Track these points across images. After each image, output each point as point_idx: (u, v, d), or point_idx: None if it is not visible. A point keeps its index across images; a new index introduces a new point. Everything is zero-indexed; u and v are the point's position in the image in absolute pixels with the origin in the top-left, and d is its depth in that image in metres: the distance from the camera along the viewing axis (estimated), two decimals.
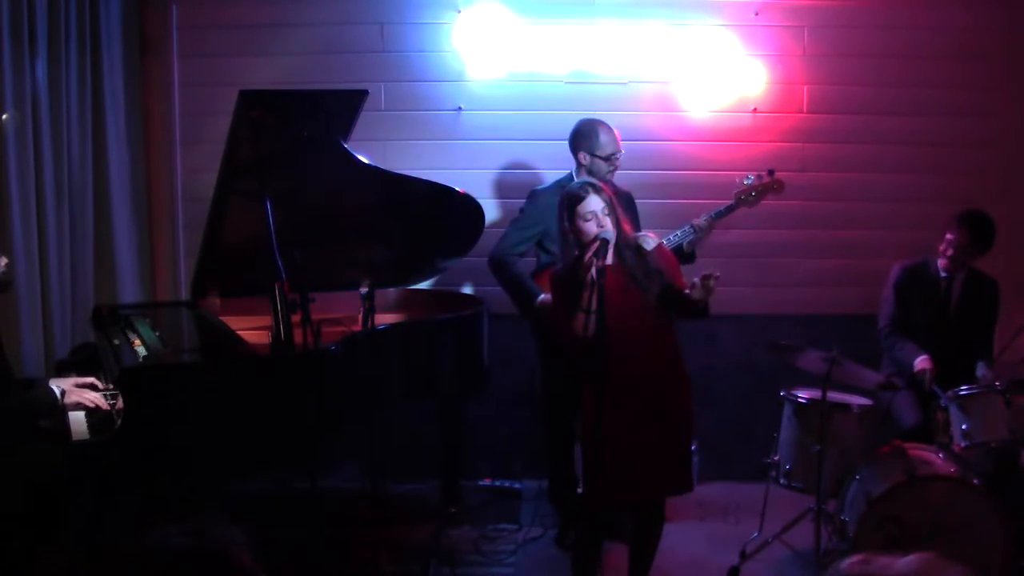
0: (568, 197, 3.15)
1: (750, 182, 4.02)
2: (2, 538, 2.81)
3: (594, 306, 2.97)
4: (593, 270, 2.96)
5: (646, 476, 3.12)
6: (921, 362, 3.93)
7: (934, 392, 3.81)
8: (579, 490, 3.98)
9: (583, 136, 3.98)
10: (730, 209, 4.03)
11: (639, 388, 3.09)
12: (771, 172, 4.03)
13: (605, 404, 3.02)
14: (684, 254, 3.97)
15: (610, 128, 3.99)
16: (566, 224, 3.14)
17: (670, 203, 4.56)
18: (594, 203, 3.09)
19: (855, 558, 1.25)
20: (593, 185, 3.16)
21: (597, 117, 4.05)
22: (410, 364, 3.73)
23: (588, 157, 3.96)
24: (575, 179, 4.01)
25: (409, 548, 3.99)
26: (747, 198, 4.02)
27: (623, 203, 3.90)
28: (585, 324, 3.00)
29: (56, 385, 3.12)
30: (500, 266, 4.09)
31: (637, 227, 3.85)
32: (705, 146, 4.77)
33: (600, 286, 2.94)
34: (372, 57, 4.70)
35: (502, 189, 4.74)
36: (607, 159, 3.95)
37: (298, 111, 3.50)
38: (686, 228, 3.97)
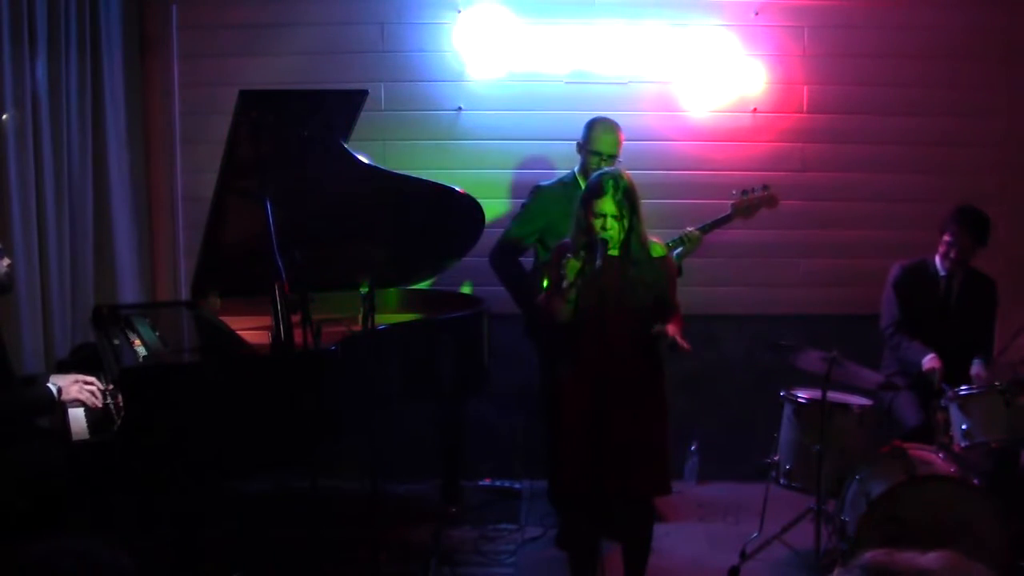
0: (591, 187, 3.18)
1: (746, 195, 4.06)
2: (2, 537, 2.81)
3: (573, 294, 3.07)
4: (597, 263, 3.01)
5: (611, 473, 3.10)
6: (929, 361, 3.94)
7: (943, 390, 3.80)
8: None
9: (585, 130, 4.04)
10: (725, 220, 4.06)
11: (614, 386, 3.08)
12: (765, 187, 4.08)
13: (579, 397, 3.12)
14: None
15: (611, 128, 4.00)
16: (581, 211, 3.18)
17: (669, 203, 4.56)
18: (607, 205, 3.11)
19: (877, 552, 1.26)
20: (616, 183, 3.14)
21: (608, 117, 4.07)
22: (410, 364, 3.73)
23: (583, 151, 4.01)
24: (576, 176, 4.03)
25: (409, 548, 3.99)
26: (742, 210, 4.07)
27: None
28: (562, 308, 3.13)
29: (54, 382, 3.12)
30: (500, 262, 4.10)
31: None
32: (705, 146, 4.77)
33: (600, 284, 2.97)
34: (372, 57, 4.70)
35: (502, 189, 4.74)
36: (595, 154, 3.95)
37: (298, 111, 3.50)
38: (674, 239, 3.96)
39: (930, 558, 1.23)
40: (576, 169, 4.08)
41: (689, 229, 3.97)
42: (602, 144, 3.96)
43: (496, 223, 4.57)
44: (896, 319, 4.18)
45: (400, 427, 4.17)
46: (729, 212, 4.06)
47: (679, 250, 3.95)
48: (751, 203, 4.06)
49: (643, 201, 4.21)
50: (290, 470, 3.26)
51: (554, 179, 4.18)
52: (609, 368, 3.06)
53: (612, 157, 3.98)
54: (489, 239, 4.21)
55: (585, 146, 4.01)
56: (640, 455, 3.16)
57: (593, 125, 4.02)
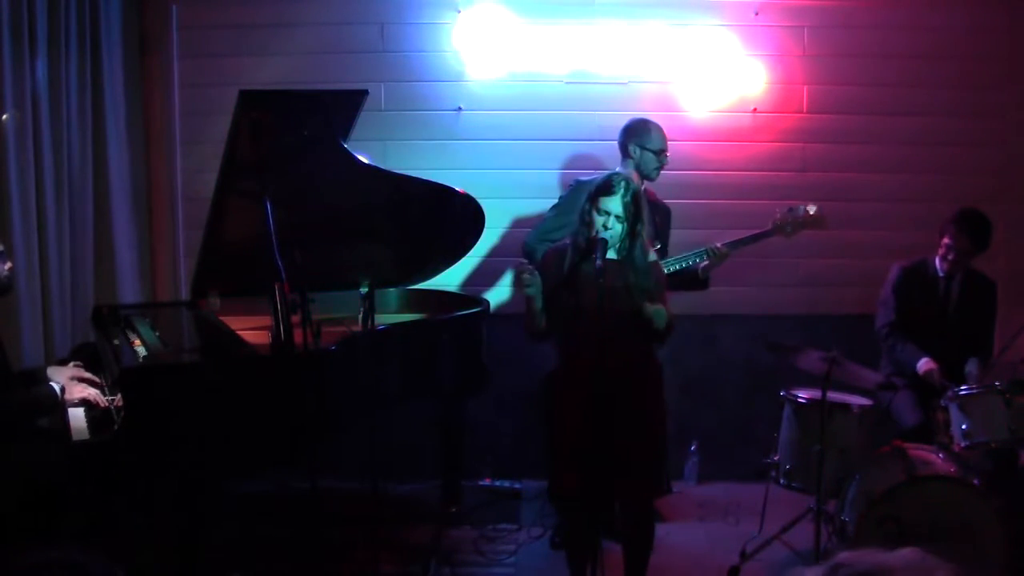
0: (601, 184, 3.19)
1: (793, 213, 4.01)
2: (2, 538, 2.81)
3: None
4: (597, 263, 3.00)
5: (602, 475, 3.08)
6: (925, 364, 3.94)
7: (947, 387, 3.80)
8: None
9: (634, 131, 4.03)
10: (762, 236, 4.04)
11: (609, 387, 3.05)
12: (814, 207, 4.03)
13: (573, 397, 3.13)
14: (699, 280, 3.98)
15: (660, 127, 4.04)
16: (587, 207, 3.19)
17: (669, 203, 4.55)
18: (614, 205, 3.11)
19: (848, 552, 1.27)
20: (627, 185, 3.15)
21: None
22: (410, 364, 3.73)
23: (639, 150, 3.99)
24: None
25: (409, 548, 3.99)
26: (784, 227, 4.04)
27: (659, 214, 3.95)
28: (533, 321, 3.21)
29: (56, 382, 3.13)
30: (530, 253, 4.08)
31: (664, 241, 3.92)
32: (705, 146, 4.77)
33: (600, 284, 2.97)
34: (372, 57, 4.70)
35: (502, 189, 4.74)
36: (657, 153, 3.99)
37: (298, 111, 3.50)
38: (700, 251, 3.97)
39: (895, 556, 1.24)
40: (624, 168, 4.00)
41: (718, 245, 3.97)
42: (661, 141, 4.01)
43: (496, 223, 4.58)
44: (891, 321, 4.17)
45: (400, 427, 4.17)
46: (769, 228, 4.04)
47: (705, 263, 3.96)
48: (796, 222, 4.02)
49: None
50: (290, 470, 3.26)
51: (596, 175, 4.13)
52: (604, 369, 3.04)
53: (667, 154, 4.04)
54: (488, 240, 4.20)
55: (645, 146, 3.99)
56: (633, 457, 3.14)
57: (648, 126, 4.02)
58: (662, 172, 4.20)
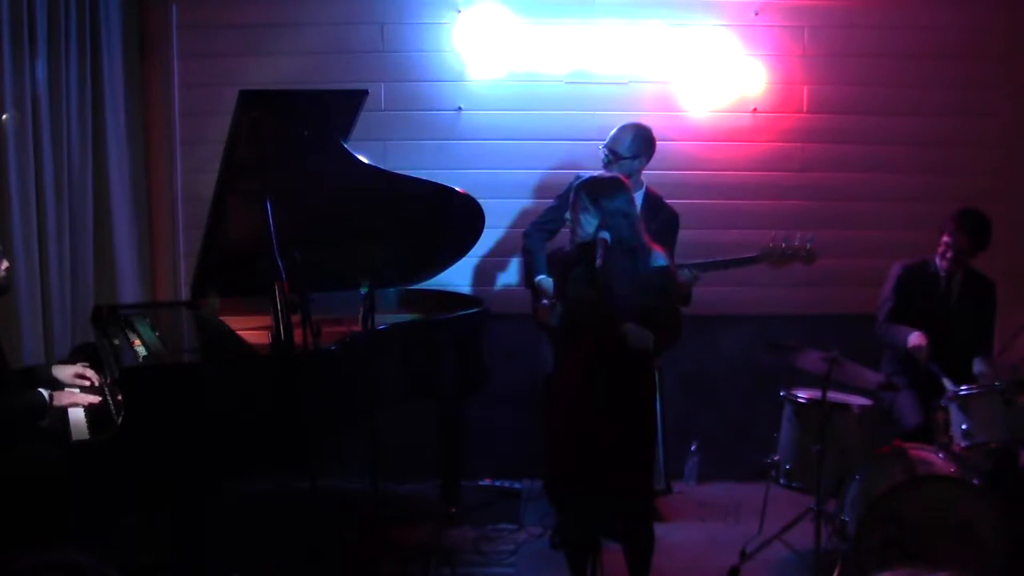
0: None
1: (785, 244, 3.98)
2: (2, 538, 2.81)
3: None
4: (597, 263, 3.00)
5: (595, 474, 3.07)
6: (915, 338, 3.91)
7: (932, 371, 3.80)
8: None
9: None
10: (748, 261, 4.03)
11: (602, 386, 3.04)
12: (809, 240, 3.98)
13: (566, 396, 3.15)
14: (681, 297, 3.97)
15: (625, 126, 4.06)
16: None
17: (669, 203, 4.55)
18: (574, 204, 3.18)
19: (899, 571, 1.24)
20: (591, 184, 3.18)
21: (641, 121, 4.13)
22: (410, 364, 3.73)
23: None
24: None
25: (409, 548, 3.99)
26: (772, 257, 4.01)
27: (660, 218, 3.95)
28: (551, 313, 3.18)
29: (46, 389, 3.13)
30: (524, 239, 4.12)
31: (670, 246, 3.88)
32: (705, 146, 4.77)
33: (599, 285, 2.97)
34: (372, 57, 4.70)
35: (502, 189, 4.74)
36: (604, 150, 4.04)
37: (298, 111, 3.50)
38: (683, 267, 3.96)
39: None
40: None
41: (687, 272, 3.93)
42: (613, 140, 4.02)
43: (496, 223, 4.58)
44: (890, 313, 4.16)
45: (400, 427, 4.17)
46: (756, 255, 4.01)
47: (688, 279, 3.95)
48: (785, 253, 4.00)
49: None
50: (290, 470, 3.26)
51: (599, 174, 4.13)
52: (596, 368, 3.04)
53: (615, 153, 4.00)
54: (487, 241, 4.20)
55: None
56: (621, 458, 3.12)
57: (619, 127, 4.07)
58: (661, 172, 4.21)
